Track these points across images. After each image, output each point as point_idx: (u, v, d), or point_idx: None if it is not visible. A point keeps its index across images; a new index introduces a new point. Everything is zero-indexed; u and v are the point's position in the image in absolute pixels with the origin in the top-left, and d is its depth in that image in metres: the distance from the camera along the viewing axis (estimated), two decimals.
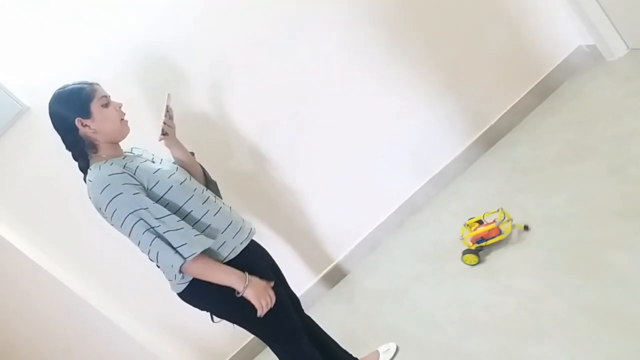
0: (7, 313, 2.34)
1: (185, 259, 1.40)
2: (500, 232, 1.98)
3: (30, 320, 2.35)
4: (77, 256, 2.40)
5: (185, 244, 1.40)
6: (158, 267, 1.46)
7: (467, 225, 2.13)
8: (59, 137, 1.51)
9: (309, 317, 1.88)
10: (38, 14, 2.13)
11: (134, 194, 1.39)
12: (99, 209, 1.44)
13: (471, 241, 2.05)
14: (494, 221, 2.01)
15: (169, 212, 1.43)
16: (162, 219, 1.40)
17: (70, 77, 1.57)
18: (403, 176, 2.67)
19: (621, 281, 1.45)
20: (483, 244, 2.01)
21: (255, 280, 1.50)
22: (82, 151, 1.50)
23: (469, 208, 2.33)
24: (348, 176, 2.61)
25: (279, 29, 2.34)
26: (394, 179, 2.66)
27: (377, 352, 1.98)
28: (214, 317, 1.60)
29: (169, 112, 1.67)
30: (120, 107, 1.56)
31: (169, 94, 1.68)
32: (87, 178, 1.49)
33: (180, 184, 1.52)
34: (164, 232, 1.40)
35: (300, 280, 2.67)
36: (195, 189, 1.56)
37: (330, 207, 2.64)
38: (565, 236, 1.76)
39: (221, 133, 2.42)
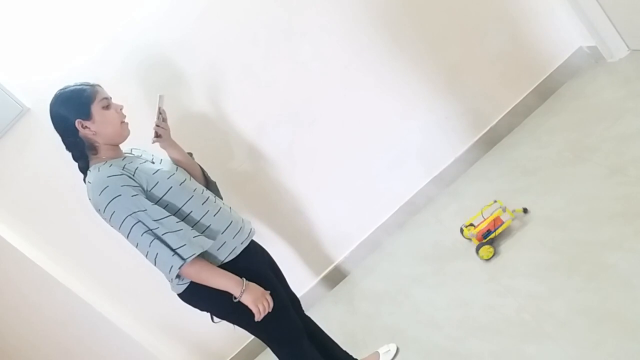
0: (7, 313, 2.34)
1: (184, 260, 1.39)
2: (503, 221, 1.99)
3: (30, 320, 2.35)
4: (77, 256, 2.40)
5: (185, 245, 1.40)
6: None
7: (467, 226, 2.13)
8: (59, 138, 1.52)
9: (309, 318, 1.88)
10: (38, 15, 2.13)
11: (132, 196, 1.39)
12: (98, 211, 1.43)
13: (478, 238, 2.04)
14: (498, 209, 2.04)
15: (168, 214, 1.43)
16: (160, 221, 1.40)
17: (70, 78, 1.57)
18: (403, 177, 2.66)
19: (622, 282, 1.45)
20: (492, 235, 2.01)
21: (252, 285, 1.49)
22: (82, 152, 1.51)
23: (469, 209, 2.32)
24: (348, 177, 2.61)
25: (279, 29, 2.34)
26: (394, 180, 2.65)
27: (377, 353, 1.98)
28: (214, 317, 1.60)
29: (161, 114, 1.65)
30: (121, 109, 1.56)
31: (160, 96, 1.67)
32: (86, 179, 1.49)
33: (180, 184, 1.52)
34: (162, 234, 1.39)
35: (301, 281, 2.67)
36: (195, 190, 1.56)
37: (331, 207, 2.63)
38: (566, 237, 1.76)
39: (221, 133, 2.42)
